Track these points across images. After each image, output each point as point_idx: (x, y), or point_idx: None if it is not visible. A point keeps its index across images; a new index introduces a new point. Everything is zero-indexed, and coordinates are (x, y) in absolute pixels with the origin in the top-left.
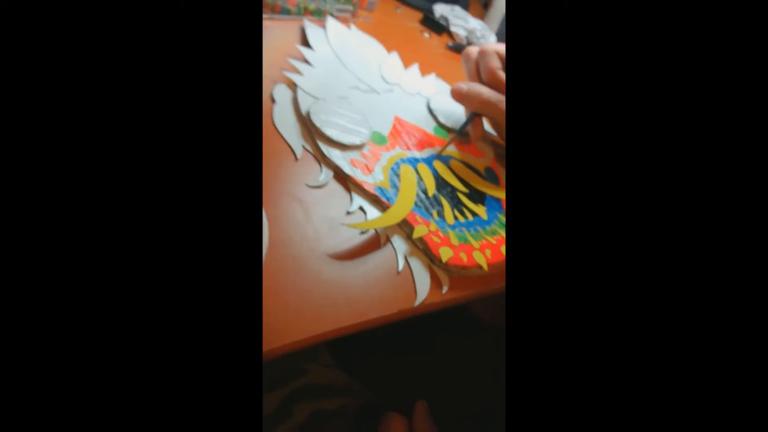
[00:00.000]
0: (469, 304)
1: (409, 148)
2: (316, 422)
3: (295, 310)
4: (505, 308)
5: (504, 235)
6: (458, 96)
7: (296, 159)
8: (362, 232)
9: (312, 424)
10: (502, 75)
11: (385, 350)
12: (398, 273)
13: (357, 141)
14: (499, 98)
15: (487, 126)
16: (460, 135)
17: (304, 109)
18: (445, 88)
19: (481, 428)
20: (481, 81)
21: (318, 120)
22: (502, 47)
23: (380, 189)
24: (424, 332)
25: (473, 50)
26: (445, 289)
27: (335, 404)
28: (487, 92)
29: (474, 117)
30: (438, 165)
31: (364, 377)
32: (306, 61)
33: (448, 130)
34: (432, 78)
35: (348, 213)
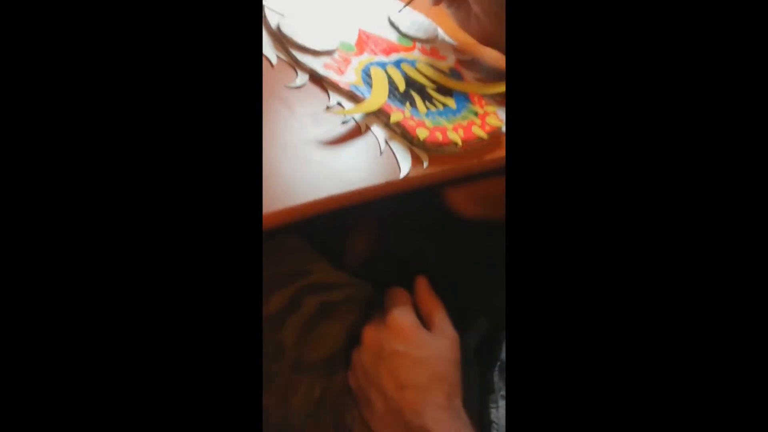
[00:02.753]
0: (447, 198)
1: (376, 54)
2: (325, 312)
3: (290, 184)
4: (486, 200)
5: (473, 119)
6: None
7: (272, 66)
8: (344, 122)
9: (321, 313)
10: None
11: (379, 243)
12: (381, 154)
13: (328, 47)
14: None
15: (445, 36)
16: None
17: (273, 24)
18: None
19: (479, 300)
20: None
21: (288, 30)
22: None
23: (355, 86)
24: (412, 222)
25: None
26: (425, 164)
27: (342, 295)
28: None
29: None
30: (405, 66)
31: (365, 274)
32: None
33: (411, 38)
34: None
35: (327, 108)
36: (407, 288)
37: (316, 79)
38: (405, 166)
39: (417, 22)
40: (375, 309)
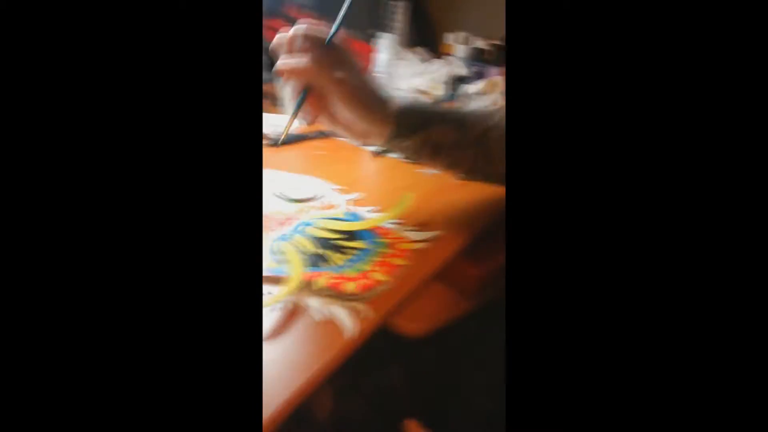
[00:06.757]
0: (393, 327)
1: (275, 229)
2: None
3: None
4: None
5: (387, 251)
6: (286, 73)
7: None
8: (276, 308)
9: None
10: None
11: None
12: (319, 323)
13: None
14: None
15: (327, 185)
16: (299, 116)
17: None
18: (285, 176)
19: None
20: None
21: None
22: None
23: (271, 269)
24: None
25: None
26: (363, 314)
27: None
28: (307, 58)
29: (307, 94)
30: (308, 230)
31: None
32: None
33: (302, 201)
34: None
35: None
36: None
37: None
38: (348, 326)
39: (302, 183)
40: None
